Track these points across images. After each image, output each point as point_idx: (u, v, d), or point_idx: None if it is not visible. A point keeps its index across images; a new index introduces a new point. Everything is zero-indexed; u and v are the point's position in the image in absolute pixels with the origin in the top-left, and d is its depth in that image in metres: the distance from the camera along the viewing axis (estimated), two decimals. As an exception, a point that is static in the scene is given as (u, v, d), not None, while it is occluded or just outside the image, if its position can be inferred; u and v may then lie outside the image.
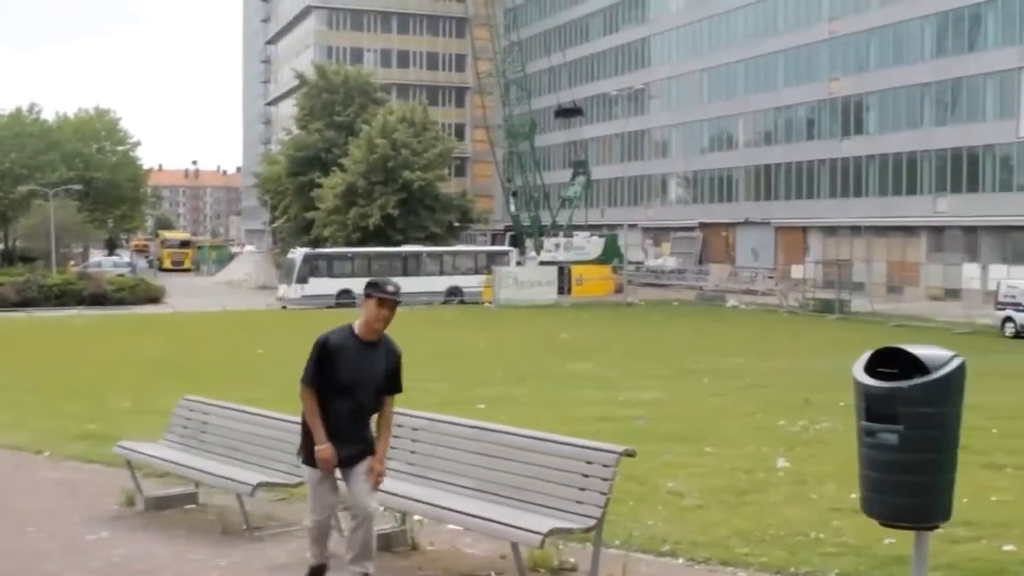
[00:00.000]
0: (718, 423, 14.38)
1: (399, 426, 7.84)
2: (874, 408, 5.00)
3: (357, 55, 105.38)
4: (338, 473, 6.58)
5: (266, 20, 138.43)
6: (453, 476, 7.12)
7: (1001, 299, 40.29)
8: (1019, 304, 39.18)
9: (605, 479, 6.31)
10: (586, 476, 6.40)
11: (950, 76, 58.53)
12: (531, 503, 6.55)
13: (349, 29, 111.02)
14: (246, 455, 8.76)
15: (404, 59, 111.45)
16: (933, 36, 60.32)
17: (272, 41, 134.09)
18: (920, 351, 5.01)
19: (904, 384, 4.91)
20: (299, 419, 9.01)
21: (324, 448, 6.44)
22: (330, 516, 6.76)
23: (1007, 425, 13.75)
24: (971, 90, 57.80)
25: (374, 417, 6.71)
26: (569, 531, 6.31)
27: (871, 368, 5.10)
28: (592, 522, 6.27)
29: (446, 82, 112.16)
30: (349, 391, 6.45)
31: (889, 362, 5.10)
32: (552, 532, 6.12)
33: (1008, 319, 39.24)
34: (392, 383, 6.67)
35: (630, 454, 6.46)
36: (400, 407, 8.47)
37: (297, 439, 8.45)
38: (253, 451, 8.74)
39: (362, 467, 6.48)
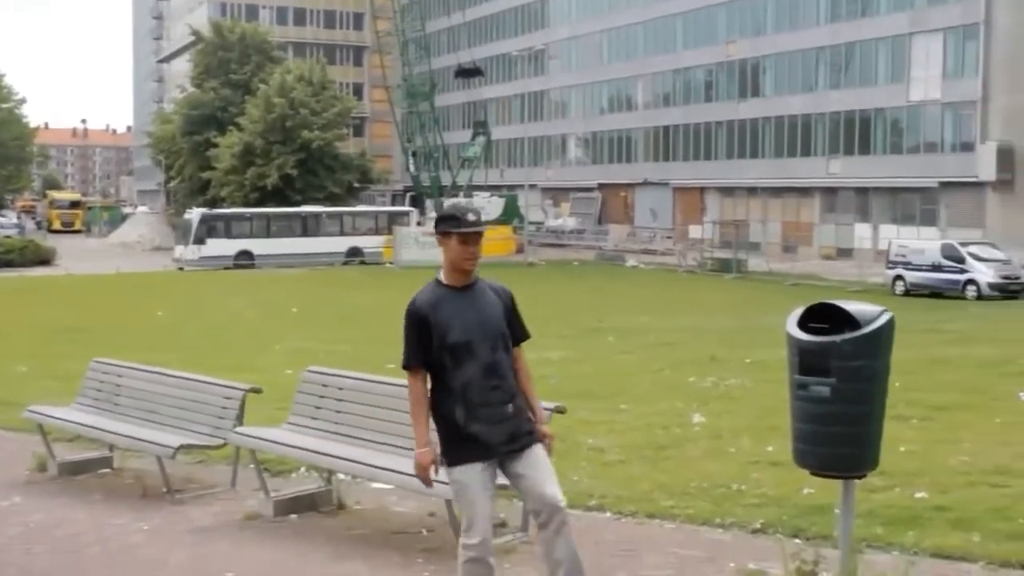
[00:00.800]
0: (629, 380, 14.57)
1: (323, 386, 7.82)
2: (807, 362, 5.12)
3: (252, 12, 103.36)
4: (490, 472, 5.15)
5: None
6: (381, 435, 7.11)
7: (892, 258, 41.41)
8: (909, 263, 40.33)
9: (534, 435, 6.34)
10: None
11: (844, 40, 59.67)
12: (462, 460, 6.57)
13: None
14: (163, 417, 8.64)
15: (300, 17, 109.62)
16: (828, 1, 61.35)
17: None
18: (852, 307, 5.15)
19: (837, 339, 5.04)
20: (210, 379, 8.95)
21: (421, 453, 5.09)
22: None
23: (907, 380, 14.14)
24: (864, 54, 59.01)
25: None
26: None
27: (803, 323, 5.22)
28: (523, 477, 6.32)
29: (344, 41, 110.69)
30: (468, 351, 5.07)
31: (821, 318, 5.22)
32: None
33: (898, 278, 40.36)
34: (516, 328, 5.30)
35: (560, 411, 6.54)
36: (322, 367, 8.44)
37: (212, 398, 8.39)
38: (170, 413, 8.63)
39: (538, 450, 5.22)
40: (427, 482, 5.15)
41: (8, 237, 68.35)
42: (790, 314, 5.33)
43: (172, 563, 6.63)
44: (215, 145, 76.27)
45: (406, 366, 5.22)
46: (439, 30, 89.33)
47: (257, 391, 8.38)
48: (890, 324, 5.13)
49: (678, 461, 8.62)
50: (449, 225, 5.22)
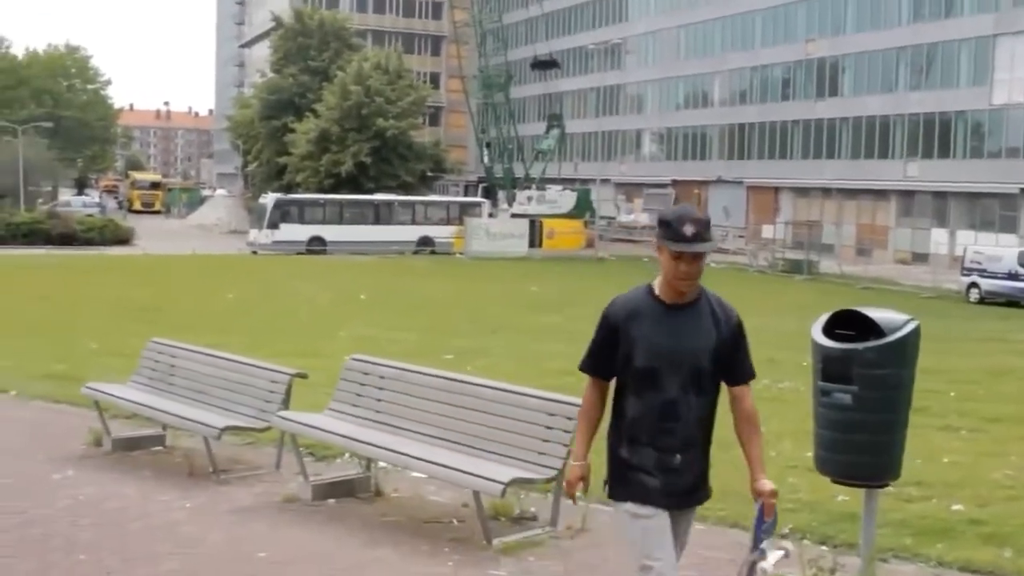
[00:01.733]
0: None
1: (365, 374, 7.95)
2: (830, 369, 5.13)
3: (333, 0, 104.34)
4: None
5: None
6: (419, 425, 7.23)
7: (967, 265, 40.72)
8: (984, 270, 39.61)
9: (567, 431, 6.43)
10: (549, 428, 6.53)
11: (926, 41, 58.66)
12: (495, 453, 6.68)
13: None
14: (213, 398, 8.85)
15: (380, 5, 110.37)
16: (910, 1, 60.36)
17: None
18: (876, 314, 5.14)
19: (859, 346, 5.04)
20: (258, 363, 9.16)
21: (572, 467, 4.58)
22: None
23: (964, 389, 13.98)
24: (946, 56, 57.98)
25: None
26: (531, 481, 6.45)
27: (829, 329, 5.22)
28: (553, 473, 6.41)
29: (422, 30, 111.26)
30: (651, 380, 4.30)
31: (847, 324, 5.22)
32: (513, 482, 6.25)
33: (973, 285, 39.68)
34: (737, 364, 4.45)
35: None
36: (368, 355, 8.59)
37: (259, 381, 8.59)
38: (220, 395, 8.83)
39: (690, 517, 4.69)
40: (571, 497, 4.68)
41: (89, 216, 69.85)
42: (816, 320, 5.33)
43: (209, 541, 6.81)
44: (292, 131, 77.11)
45: (581, 368, 4.57)
46: (516, 22, 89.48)
47: (303, 376, 8.55)
48: (915, 333, 5.11)
49: (718, 464, 8.59)
50: (663, 235, 4.30)
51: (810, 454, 8.63)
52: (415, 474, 7.66)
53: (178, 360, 9.55)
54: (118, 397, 9.38)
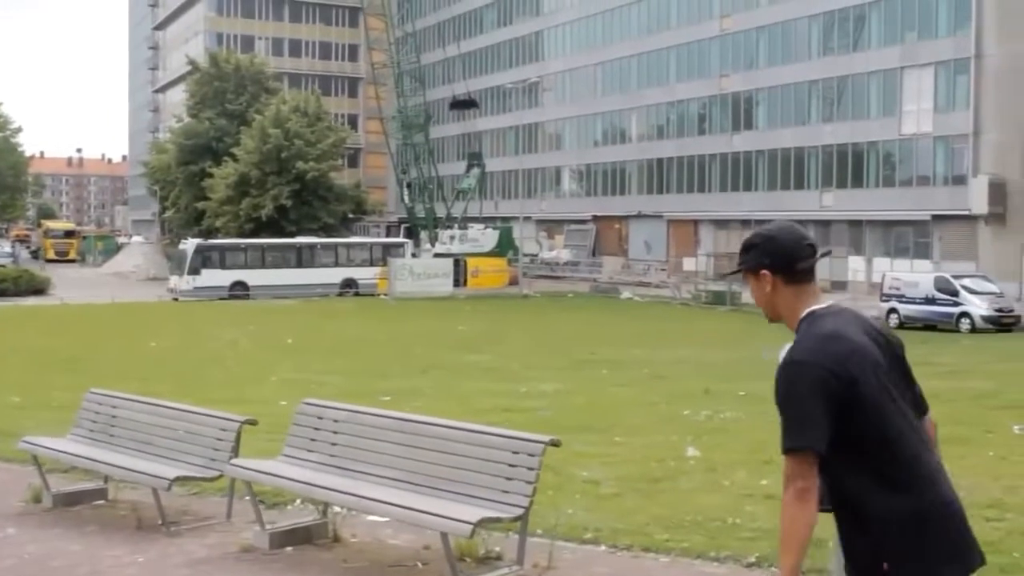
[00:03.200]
0: (623, 413, 14.58)
1: (319, 418, 7.85)
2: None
3: (248, 43, 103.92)
4: None
5: (153, 5, 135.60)
6: (377, 467, 7.14)
7: (886, 291, 41.52)
8: (903, 296, 40.44)
9: (531, 468, 6.40)
10: (512, 466, 6.48)
11: (836, 74, 60.11)
12: (457, 493, 6.60)
13: (240, 16, 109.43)
14: (159, 449, 8.64)
15: (296, 48, 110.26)
16: (820, 35, 61.86)
17: (160, 27, 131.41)
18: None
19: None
20: (205, 411, 9.05)
21: None
22: None
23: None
24: (856, 88, 59.44)
25: None
26: (498, 520, 6.39)
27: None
28: (520, 511, 6.36)
29: (339, 72, 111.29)
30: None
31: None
32: (482, 522, 6.18)
33: (892, 310, 40.44)
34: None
35: (555, 444, 6.56)
36: (317, 399, 8.49)
37: (207, 429, 8.46)
38: (166, 444, 8.63)
39: None
40: None
41: (2, 266, 68.36)
42: (782, 347, 5.35)
43: (167, 596, 6.63)
44: (210, 175, 76.47)
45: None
46: (434, 62, 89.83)
47: (252, 423, 8.40)
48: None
49: (673, 494, 8.65)
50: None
51: (764, 482, 8.75)
52: (372, 518, 7.56)
53: (119, 410, 9.31)
54: (59, 451, 9.12)
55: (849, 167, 59.41)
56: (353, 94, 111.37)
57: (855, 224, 58.64)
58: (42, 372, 22.02)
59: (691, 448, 10.80)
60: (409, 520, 6.54)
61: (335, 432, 7.62)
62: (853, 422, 3.23)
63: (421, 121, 73.04)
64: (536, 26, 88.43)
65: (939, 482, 3.29)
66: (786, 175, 63.61)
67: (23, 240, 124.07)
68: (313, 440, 7.74)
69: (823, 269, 60.50)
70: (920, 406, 3.50)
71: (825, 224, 60.68)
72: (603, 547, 7.22)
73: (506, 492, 6.42)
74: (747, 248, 3.63)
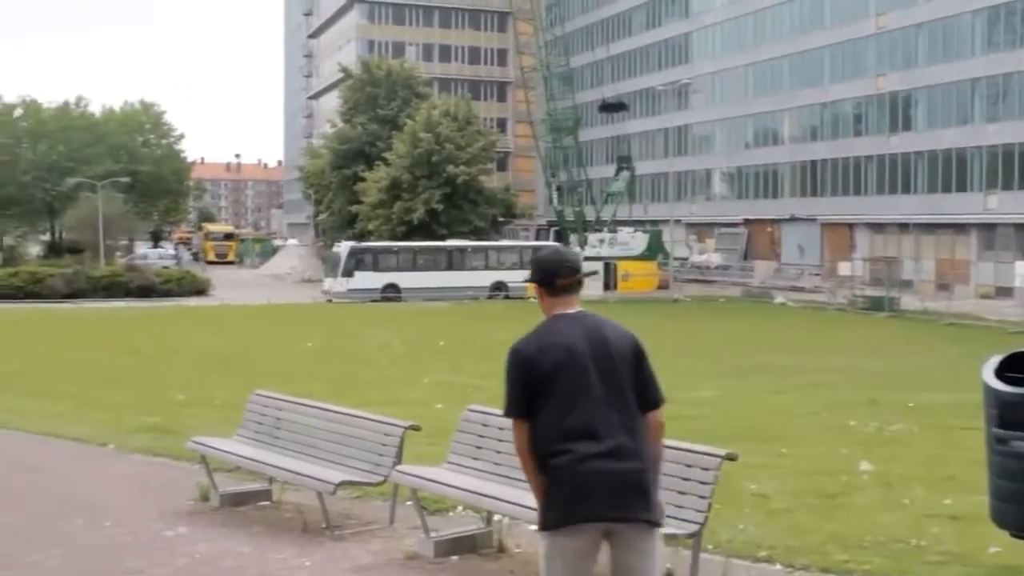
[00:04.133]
0: (786, 422, 14.14)
1: (484, 425, 7.74)
2: (1008, 415, 4.79)
3: (399, 49, 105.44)
4: None
5: (308, 14, 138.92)
6: (545, 477, 6.96)
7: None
8: (1075, 303, 38.58)
9: (706, 483, 6.14)
10: (686, 480, 6.24)
11: (1001, 71, 57.68)
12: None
13: (391, 23, 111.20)
14: (323, 452, 8.66)
15: (446, 53, 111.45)
16: (984, 30, 59.49)
17: (314, 35, 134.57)
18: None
19: (1044, 391, 4.70)
20: (370, 415, 9.03)
21: None
22: None
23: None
24: (1022, 85, 56.95)
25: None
26: (672, 536, 6.14)
27: (1000, 373, 4.89)
28: (693, 527, 6.11)
29: (488, 76, 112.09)
30: None
31: (1016, 366, 4.89)
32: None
33: (1063, 318, 38.63)
34: None
35: (732, 458, 6.29)
36: (482, 405, 8.37)
37: (371, 434, 8.43)
38: (329, 448, 8.64)
39: None
40: None
41: (166, 268, 70.91)
42: (985, 362, 5.01)
43: (336, 601, 6.60)
44: (363, 179, 77.83)
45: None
46: (583, 65, 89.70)
47: (416, 429, 8.34)
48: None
49: (848, 511, 8.26)
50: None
51: (948, 502, 8.31)
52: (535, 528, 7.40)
53: (284, 413, 9.39)
54: (227, 452, 9.24)
55: (1016, 168, 56.93)
56: (502, 98, 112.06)
57: (1021, 228, 56.17)
58: (204, 371, 22.65)
59: (864, 462, 10.34)
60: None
61: (500, 440, 7.48)
62: (545, 395, 4.50)
63: (570, 124, 72.91)
64: (685, 27, 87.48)
65: (599, 452, 4.39)
66: (947, 177, 61.35)
67: (185, 243, 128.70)
68: (479, 448, 7.64)
69: (987, 274, 58.21)
70: (648, 402, 4.62)
71: (989, 228, 58.37)
72: (779, 566, 6.90)
73: (680, 507, 6.17)
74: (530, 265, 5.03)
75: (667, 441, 6.69)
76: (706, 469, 6.18)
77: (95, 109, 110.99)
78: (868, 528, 7.58)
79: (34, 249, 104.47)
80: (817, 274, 65.44)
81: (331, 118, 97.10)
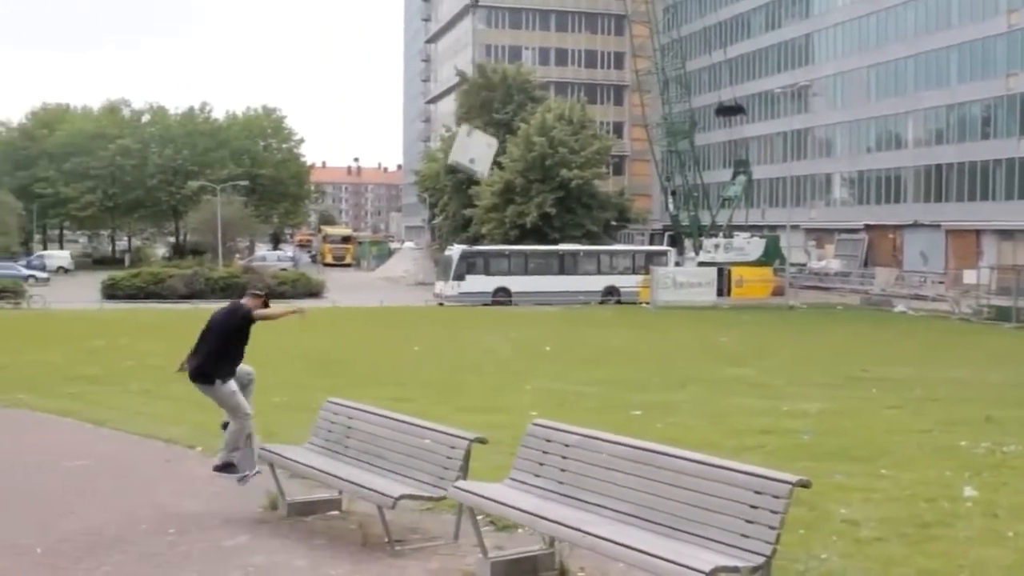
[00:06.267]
0: (892, 440, 13.40)
1: (548, 441, 7.36)
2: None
3: (516, 53, 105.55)
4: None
5: (427, 19, 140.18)
6: (607, 499, 6.55)
7: None
8: None
9: (776, 512, 5.66)
10: (755, 507, 5.76)
11: None
12: (692, 534, 5.95)
13: (508, 27, 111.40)
14: (389, 463, 8.43)
15: (562, 57, 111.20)
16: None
17: (432, 40, 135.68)
18: None
19: None
20: (437, 426, 8.80)
21: None
22: None
23: None
24: None
25: None
26: (735, 570, 5.66)
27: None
28: (760, 559, 5.63)
29: (604, 80, 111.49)
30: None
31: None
32: (716, 571, 5.49)
33: None
34: None
35: (804, 485, 5.78)
36: (552, 414, 7.99)
37: (437, 446, 8.16)
38: (397, 459, 8.40)
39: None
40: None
41: (283, 270, 72.05)
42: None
43: (381, 625, 6.27)
44: (477, 183, 77.98)
45: None
46: (700, 68, 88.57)
47: (482, 442, 7.99)
48: None
49: (945, 543, 7.63)
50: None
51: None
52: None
53: (354, 422, 9.17)
54: (295, 461, 9.05)
55: None
56: (619, 102, 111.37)
57: None
58: (308, 374, 22.65)
59: (968, 487, 9.63)
60: (638, 564, 5.90)
61: (564, 457, 7.10)
62: None
63: (686, 128, 72.04)
64: (806, 28, 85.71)
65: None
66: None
67: (304, 245, 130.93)
68: (541, 464, 7.26)
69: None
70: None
71: None
72: (857, 604, 6.36)
73: (746, 537, 5.70)
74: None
75: (735, 464, 6.25)
76: (776, 497, 5.69)
77: (218, 115, 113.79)
78: (966, 563, 6.97)
79: (160, 251, 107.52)
80: (941, 282, 63.33)
81: (447, 122, 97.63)
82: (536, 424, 7.58)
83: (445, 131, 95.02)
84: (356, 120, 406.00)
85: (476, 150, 59.35)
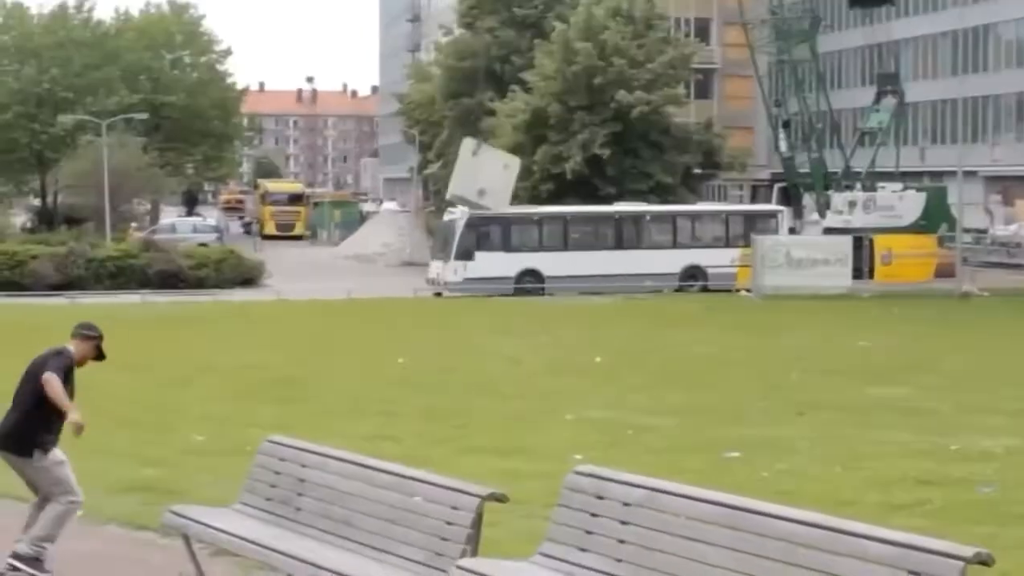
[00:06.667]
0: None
1: (599, 498, 7.43)
2: None
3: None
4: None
5: None
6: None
7: None
8: None
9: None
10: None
11: None
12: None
13: None
14: (362, 532, 8.63)
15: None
16: None
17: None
18: None
19: None
20: (431, 478, 8.85)
21: None
22: None
23: None
24: None
25: None
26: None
27: None
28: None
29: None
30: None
31: None
32: None
33: None
34: None
35: (984, 562, 5.84)
36: (606, 465, 8.03)
37: (432, 507, 8.19)
38: (371, 526, 8.61)
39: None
40: None
41: (202, 245, 72.15)
42: None
43: None
44: (492, 113, 78.02)
45: None
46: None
47: (500, 499, 8.06)
48: None
49: None
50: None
51: None
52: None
53: (309, 472, 9.28)
54: (219, 530, 9.16)
55: None
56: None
57: None
58: (243, 400, 22.97)
59: None
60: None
61: (623, 523, 7.20)
62: None
63: (805, 26, 71.92)
64: None
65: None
66: None
67: (234, 209, 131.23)
68: (589, 533, 7.37)
69: None
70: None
71: None
72: None
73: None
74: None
75: (881, 532, 6.28)
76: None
77: (104, 15, 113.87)
78: None
79: (18, 219, 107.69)
80: None
81: (446, 21, 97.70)
82: (580, 473, 7.66)
83: (443, 34, 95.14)
84: (309, 22, 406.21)
85: (488, 175, 59.24)
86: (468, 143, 63.40)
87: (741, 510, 6.79)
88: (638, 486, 7.38)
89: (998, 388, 25.52)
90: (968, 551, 5.82)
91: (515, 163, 63.04)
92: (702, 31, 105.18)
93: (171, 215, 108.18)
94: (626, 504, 7.29)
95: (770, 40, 72.96)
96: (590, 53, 72.54)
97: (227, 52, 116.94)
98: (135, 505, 13.07)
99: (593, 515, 7.43)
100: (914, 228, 62.44)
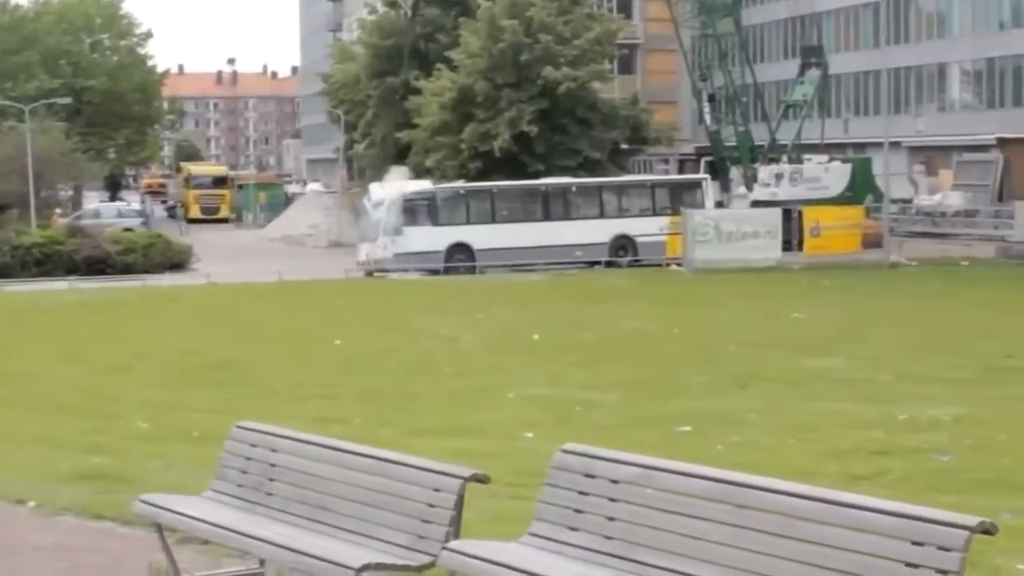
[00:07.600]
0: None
1: (589, 476, 7.39)
2: None
3: None
4: None
5: None
6: (685, 562, 6.58)
7: None
8: None
9: (946, 572, 5.69)
10: (913, 567, 5.80)
11: None
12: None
13: None
14: (338, 516, 8.45)
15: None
16: None
17: None
18: None
19: None
20: (411, 459, 8.72)
21: None
22: None
23: None
24: None
25: None
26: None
27: None
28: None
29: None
30: None
31: None
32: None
33: None
34: None
35: (987, 531, 5.81)
36: (580, 442, 7.98)
37: (412, 489, 8.07)
38: (349, 510, 8.42)
39: None
40: None
41: (128, 230, 71.73)
42: None
43: None
44: (418, 92, 77.82)
45: None
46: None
47: (482, 480, 8.00)
48: None
49: None
50: None
51: None
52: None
53: (281, 455, 9.16)
54: (192, 517, 9.02)
55: None
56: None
57: None
58: (179, 386, 22.78)
59: None
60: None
61: (612, 500, 7.12)
62: None
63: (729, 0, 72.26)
64: None
65: None
66: None
67: (157, 192, 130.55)
68: (579, 512, 7.28)
69: None
70: None
71: None
72: None
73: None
74: None
75: (879, 503, 6.27)
76: (947, 549, 5.72)
77: (22, 0, 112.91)
78: None
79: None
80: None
81: (369, 1, 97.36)
82: (567, 451, 7.58)
83: (367, 13, 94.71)
84: (228, 3, 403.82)
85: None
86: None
87: (735, 484, 6.75)
88: (629, 463, 7.33)
89: (931, 356, 25.75)
90: (972, 520, 5.78)
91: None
92: (625, 6, 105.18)
93: (94, 200, 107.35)
94: (614, 481, 7.23)
95: (693, 14, 73.43)
96: (516, 30, 72.53)
97: (147, 35, 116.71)
98: (88, 494, 12.80)
99: (582, 493, 7.36)
100: (841, 199, 62.95)
